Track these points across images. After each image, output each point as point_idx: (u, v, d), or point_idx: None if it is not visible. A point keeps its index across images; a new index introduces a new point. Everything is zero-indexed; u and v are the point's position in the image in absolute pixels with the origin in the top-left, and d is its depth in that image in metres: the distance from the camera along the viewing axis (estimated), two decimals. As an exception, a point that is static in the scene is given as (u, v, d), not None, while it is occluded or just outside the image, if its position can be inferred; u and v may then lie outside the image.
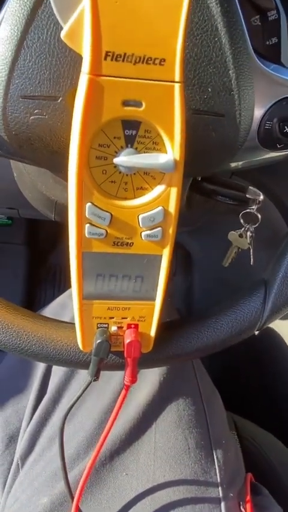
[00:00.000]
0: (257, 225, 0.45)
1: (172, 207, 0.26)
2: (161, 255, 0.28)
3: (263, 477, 0.49)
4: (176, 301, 1.09)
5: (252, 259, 0.46)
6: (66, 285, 0.77)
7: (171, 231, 0.27)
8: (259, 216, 0.44)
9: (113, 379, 0.48)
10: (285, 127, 0.30)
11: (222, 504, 0.42)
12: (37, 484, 0.43)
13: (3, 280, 1.08)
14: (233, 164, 0.33)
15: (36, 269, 1.13)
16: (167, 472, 0.42)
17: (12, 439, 0.50)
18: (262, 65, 0.29)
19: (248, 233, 0.47)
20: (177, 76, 0.23)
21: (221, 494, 0.42)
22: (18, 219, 1.07)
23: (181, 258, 1.09)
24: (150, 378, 0.47)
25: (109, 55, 0.22)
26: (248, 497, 0.42)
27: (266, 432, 0.59)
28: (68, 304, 0.59)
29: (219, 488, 0.43)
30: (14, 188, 0.51)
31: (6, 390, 0.54)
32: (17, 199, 0.52)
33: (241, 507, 0.42)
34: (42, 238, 1.14)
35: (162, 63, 0.22)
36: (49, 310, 0.60)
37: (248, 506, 0.41)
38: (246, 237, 0.47)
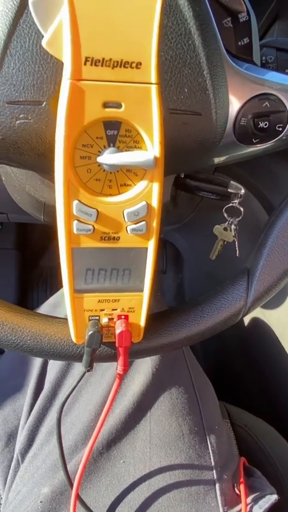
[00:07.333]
0: (240, 217, 0.47)
1: (155, 201, 0.28)
2: (147, 248, 0.30)
3: (256, 462, 0.51)
4: (168, 299, 1.10)
5: (237, 251, 0.47)
6: (58, 287, 0.78)
7: (155, 224, 0.29)
8: (242, 209, 0.46)
9: (107, 373, 0.49)
10: (259, 123, 0.32)
11: (217, 485, 0.43)
12: (37, 476, 0.44)
13: (-5, 284, 1.09)
14: (216, 160, 0.35)
15: (28, 272, 1.13)
16: (162, 458, 0.44)
17: (12, 437, 0.51)
18: (235, 64, 0.30)
19: (232, 226, 0.48)
20: (153, 78, 0.24)
21: (215, 476, 0.44)
22: (8, 223, 1.08)
23: (172, 256, 1.10)
24: (144, 370, 0.49)
25: (88, 60, 0.23)
26: (242, 479, 0.44)
27: (259, 420, 0.61)
28: (60, 304, 0.60)
29: (214, 471, 0.44)
30: (3, 193, 0.51)
31: (3, 390, 0.55)
32: (5, 203, 0.53)
33: (235, 488, 0.44)
34: (32, 241, 1.14)
35: (138, 66, 0.24)
36: (42, 310, 0.61)
37: (242, 487, 0.43)
38: (230, 230, 0.48)
